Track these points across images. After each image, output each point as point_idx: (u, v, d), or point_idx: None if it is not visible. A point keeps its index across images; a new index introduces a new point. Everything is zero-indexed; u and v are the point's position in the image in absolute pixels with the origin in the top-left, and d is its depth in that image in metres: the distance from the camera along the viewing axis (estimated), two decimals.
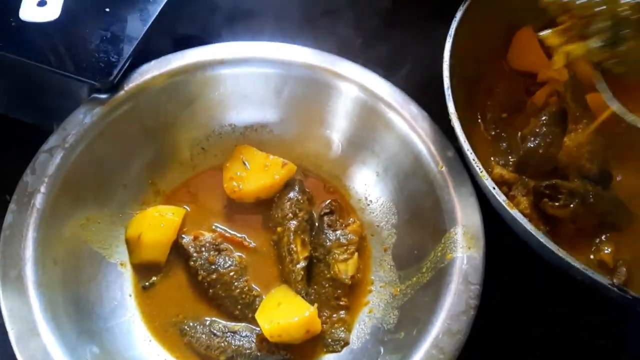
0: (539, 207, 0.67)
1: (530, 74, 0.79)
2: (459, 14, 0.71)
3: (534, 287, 0.72)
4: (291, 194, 0.72)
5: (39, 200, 0.62)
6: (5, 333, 0.56)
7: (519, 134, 0.74)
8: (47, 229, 0.61)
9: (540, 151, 0.70)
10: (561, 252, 0.56)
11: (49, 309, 0.58)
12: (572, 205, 0.65)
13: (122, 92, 0.69)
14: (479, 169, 0.62)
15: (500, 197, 0.60)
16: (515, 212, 0.59)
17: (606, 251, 0.65)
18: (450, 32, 0.70)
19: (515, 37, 0.80)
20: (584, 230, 0.67)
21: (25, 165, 0.64)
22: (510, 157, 0.73)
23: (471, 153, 0.62)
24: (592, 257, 0.66)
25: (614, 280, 0.55)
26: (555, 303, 0.71)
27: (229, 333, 0.64)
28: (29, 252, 0.59)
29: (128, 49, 0.69)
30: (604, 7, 0.58)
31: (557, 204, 0.66)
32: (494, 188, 0.61)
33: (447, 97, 0.66)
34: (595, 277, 0.55)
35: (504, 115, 0.76)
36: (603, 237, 0.67)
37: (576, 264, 0.56)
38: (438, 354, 0.57)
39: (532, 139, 0.71)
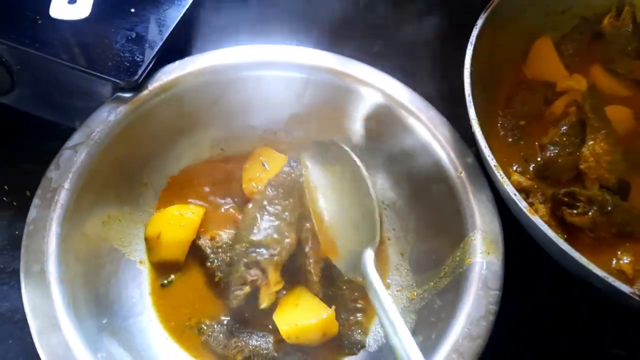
0: (556, 215, 0.68)
1: (548, 83, 0.79)
2: (479, 22, 0.72)
3: (550, 295, 0.72)
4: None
5: (62, 196, 0.62)
6: (25, 327, 0.56)
7: (537, 142, 0.75)
8: (70, 224, 0.62)
9: (560, 160, 0.71)
10: (583, 260, 0.56)
11: (71, 305, 0.58)
12: (590, 213, 0.65)
13: (145, 92, 0.69)
14: (500, 175, 0.62)
15: (522, 204, 0.60)
16: (536, 219, 0.59)
17: (625, 261, 0.65)
18: (471, 40, 0.71)
19: (533, 46, 0.81)
20: (602, 239, 0.67)
21: (47, 163, 0.65)
22: (528, 164, 0.73)
23: (492, 159, 0.63)
24: (612, 265, 0.66)
25: (635, 289, 0.55)
26: (570, 311, 0.71)
27: (246, 333, 0.65)
28: (52, 247, 0.59)
29: (152, 49, 0.69)
30: None
31: (575, 211, 0.66)
32: (515, 194, 0.61)
33: (468, 103, 0.66)
34: (617, 285, 0.55)
35: (522, 122, 0.76)
36: (622, 247, 0.66)
37: (597, 271, 0.56)
38: (458, 358, 0.57)
39: (552, 148, 0.72)
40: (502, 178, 0.62)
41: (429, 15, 0.89)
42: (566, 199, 0.67)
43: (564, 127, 0.72)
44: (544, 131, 0.75)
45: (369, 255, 0.60)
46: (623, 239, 0.67)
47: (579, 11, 0.82)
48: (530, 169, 0.73)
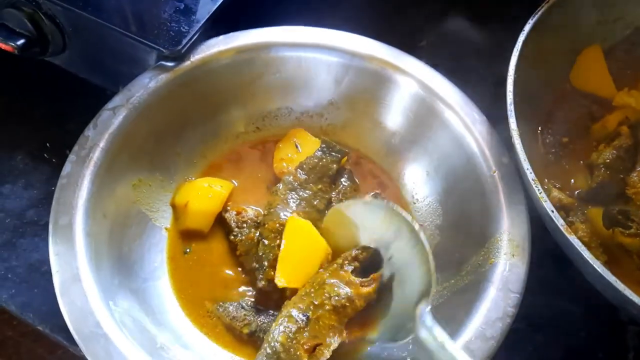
0: (599, 236, 0.65)
1: (594, 96, 0.76)
2: (527, 27, 0.69)
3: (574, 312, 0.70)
4: (341, 182, 0.72)
5: (97, 154, 0.64)
6: (51, 279, 0.58)
7: (582, 162, 0.72)
8: (101, 183, 0.63)
9: (612, 184, 0.68)
10: (619, 284, 0.53)
11: (94, 259, 0.60)
12: None
13: (188, 62, 0.70)
14: (538, 190, 0.59)
15: (559, 222, 0.57)
16: (573, 239, 0.56)
17: None
18: (517, 46, 0.68)
19: (580, 55, 0.77)
20: None
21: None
22: (569, 182, 0.71)
23: (530, 173, 0.60)
24: None
25: None
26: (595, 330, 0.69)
27: (257, 309, 0.65)
28: (82, 201, 0.61)
29: (199, 21, 0.71)
30: None
31: (627, 232, 0.64)
32: (552, 211, 0.58)
33: (509, 112, 0.63)
34: None
35: (565, 139, 0.74)
36: None
37: (634, 297, 0.53)
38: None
39: (604, 170, 0.69)
40: (540, 193, 0.59)
41: (483, 17, 0.88)
42: (619, 217, 0.64)
43: (618, 149, 0.69)
44: (587, 149, 0.72)
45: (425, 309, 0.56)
46: None
47: (632, 20, 0.78)
48: (571, 187, 0.70)
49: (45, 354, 1.15)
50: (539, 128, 0.75)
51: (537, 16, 0.70)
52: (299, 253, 0.64)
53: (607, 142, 0.70)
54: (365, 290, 0.61)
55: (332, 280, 0.61)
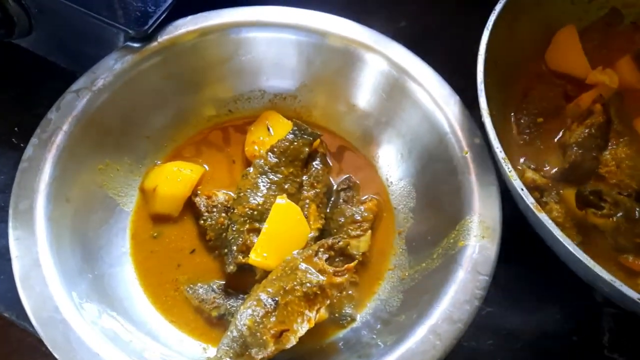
0: (573, 216, 0.64)
1: (569, 76, 0.75)
2: (498, 6, 0.67)
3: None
4: (312, 166, 0.71)
5: (60, 137, 0.63)
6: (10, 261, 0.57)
7: (556, 139, 0.71)
8: (64, 166, 0.62)
9: (585, 163, 0.67)
10: (590, 262, 0.52)
11: (55, 244, 0.59)
12: (615, 218, 0.61)
13: (154, 43, 0.69)
14: (508, 169, 0.58)
15: (529, 200, 0.56)
16: (543, 216, 0.55)
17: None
18: (487, 25, 0.66)
19: (555, 36, 0.76)
20: (621, 251, 0.62)
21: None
22: (543, 163, 0.70)
23: (500, 151, 0.59)
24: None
25: None
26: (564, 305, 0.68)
27: (227, 292, 0.64)
28: (43, 185, 0.60)
29: (166, 1, 0.69)
30: None
31: (600, 212, 0.62)
32: (522, 189, 0.57)
33: (479, 92, 0.62)
34: (624, 290, 0.51)
35: (540, 120, 0.72)
36: None
37: (604, 274, 0.51)
38: (435, 340, 0.54)
39: (576, 149, 0.67)
40: (510, 171, 0.58)
41: None
42: (591, 198, 0.63)
43: (590, 127, 0.68)
44: (562, 127, 0.71)
45: None
46: None
47: (607, 0, 0.76)
48: (546, 168, 0.69)
49: (35, 341, 1.15)
50: (513, 109, 0.73)
51: None
52: (282, 234, 0.63)
53: (580, 121, 0.69)
54: (338, 280, 0.60)
55: (304, 266, 0.60)
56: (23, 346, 1.15)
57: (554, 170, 0.69)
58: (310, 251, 0.62)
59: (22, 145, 0.75)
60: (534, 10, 0.71)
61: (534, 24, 0.73)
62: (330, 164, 0.73)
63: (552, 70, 0.75)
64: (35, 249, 0.57)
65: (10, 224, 0.58)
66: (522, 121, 0.72)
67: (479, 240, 0.59)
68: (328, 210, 0.70)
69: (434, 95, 0.68)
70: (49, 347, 0.53)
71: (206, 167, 0.73)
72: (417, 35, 0.83)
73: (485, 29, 0.65)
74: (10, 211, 0.59)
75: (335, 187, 0.72)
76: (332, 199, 0.71)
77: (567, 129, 0.70)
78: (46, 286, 0.55)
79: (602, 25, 0.77)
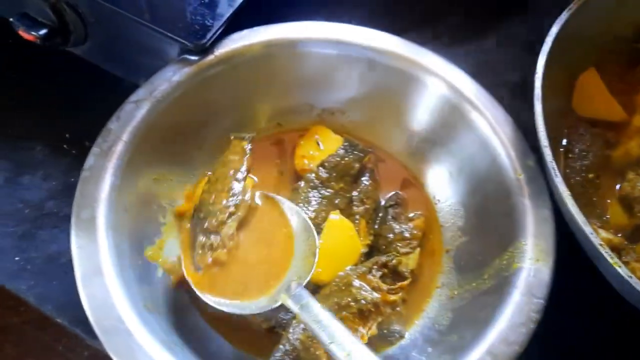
0: None
1: (599, 121, 0.73)
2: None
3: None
4: (362, 182, 0.72)
5: (120, 147, 0.63)
6: (69, 270, 0.57)
7: (617, 193, 0.69)
8: (123, 176, 0.63)
9: None
10: None
11: (115, 253, 0.59)
12: None
13: (211, 56, 0.70)
14: (590, 232, 0.54)
15: (623, 271, 0.52)
16: (634, 281, 0.52)
17: None
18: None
19: (578, 81, 0.74)
20: None
21: (109, 116, 0.65)
22: (606, 218, 0.68)
23: (586, 225, 0.54)
24: None
25: None
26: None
27: None
28: (104, 194, 0.61)
29: (224, 15, 0.70)
30: None
31: None
32: (611, 257, 0.53)
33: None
34: None
35: (591, 175, 0.70)
36: None
37: None
38: None
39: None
40: (591, 234, 0.54)
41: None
42: None
43: None
44: (615, 180, 0.69)
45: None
46: None
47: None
48: (608, 220, 0.67)
49: (51, 341, 1.15)
50: (560, 169, 0.71)
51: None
52: (335, 250, 0.64)
53: (631, 167, 0.67)
54: (392, 297, 0.60)
55: (358, 283, 0.60)
56: (38, 346, 1.16)
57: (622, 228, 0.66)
58: (365, 268, 0.62)
59: (73, 151, 0.77)
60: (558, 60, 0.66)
61: (559, 72, 0.68)
62: (379, 181, 0.74)
63: (582, 117, 0.73)
64: (97, 258, 0.58)
65: (72, 232, 0.58)
66: (572, 182, 0.70)
67: (533, 263, 0.60)
68: (376, 227, 0.71)
69: (487, 116, 0.68)
70: (112, 356, 0.53)
71: (255, 178, 0.73)
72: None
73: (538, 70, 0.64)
74: (73, 219, 0.59)
75: (383, 204, 0.72)
76: (380, 215, 0.72)
77: (626, 181, 0.67)
78: (109, 295, 0.56)
79: (613, 57, 0.74)
